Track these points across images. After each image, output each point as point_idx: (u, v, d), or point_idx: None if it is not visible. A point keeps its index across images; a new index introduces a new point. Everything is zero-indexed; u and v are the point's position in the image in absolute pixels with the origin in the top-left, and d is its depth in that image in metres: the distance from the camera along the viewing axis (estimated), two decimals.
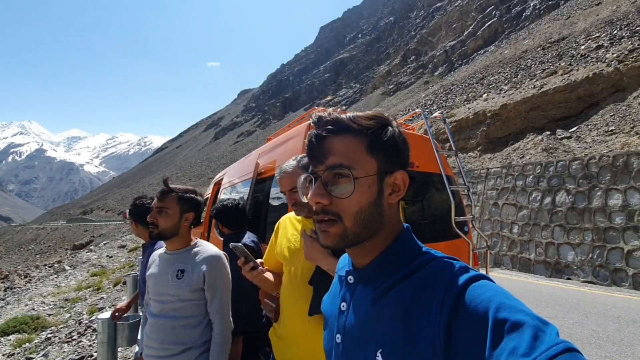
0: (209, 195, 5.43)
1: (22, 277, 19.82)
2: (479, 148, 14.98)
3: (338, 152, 0.63)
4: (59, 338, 5.95)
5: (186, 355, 1.47)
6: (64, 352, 5.14)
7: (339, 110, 0.69)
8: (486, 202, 10.15)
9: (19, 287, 16.24)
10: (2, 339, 6.79)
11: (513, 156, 12.13)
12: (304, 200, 0.68)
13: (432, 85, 36.37)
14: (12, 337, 6.77)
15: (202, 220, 4.47)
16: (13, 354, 5.71)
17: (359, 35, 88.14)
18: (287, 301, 1.40)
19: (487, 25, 39.75)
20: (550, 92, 13.84)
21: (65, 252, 30.96)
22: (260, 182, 3.26)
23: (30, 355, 5.29)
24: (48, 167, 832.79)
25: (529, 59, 21.59)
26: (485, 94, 19.35)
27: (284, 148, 2.81)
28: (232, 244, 1.35)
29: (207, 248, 1.62)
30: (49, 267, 21.12)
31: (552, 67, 17.35)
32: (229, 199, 4.19)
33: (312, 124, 0.67)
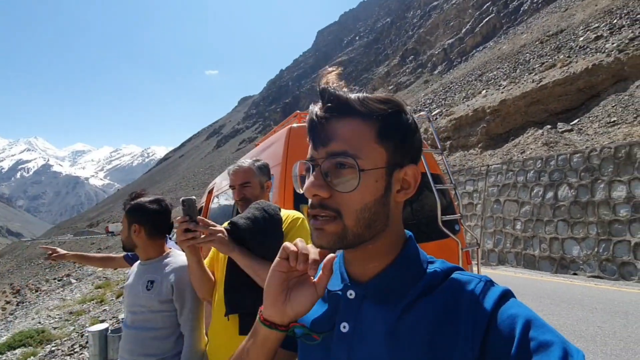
0: (203, 204, 5.41)
1: (34, 291, 20.05)
2: (479, 145, 14.87)
3: (342, 137, 0.53)
4: (62, 351, 5.97)
5: None
6: None
7: (344, 84, 0.56)
8: (487, 200, 10.04)
9: (29, 302, 16.39)
10: (8, 353, 6.86)
11: (514, 152, 12.00)
12: (299, 191, 0.58)
13: (432, 84, 36.29)
14: (18, 351, 6.82)
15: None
16: None
17: (357, 38, 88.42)
18: (214, 306, 1.36)
19: (484, 21, 39.66)
20: (549, 85, 13.72)
21: (73, 265, 31.17)
22: None
23: None
24: (54, 182, 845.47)
25: (527, 53, 21.45)
26: (484, 91, 19.25)
27: (266, 153, 2.79)
28: (184, 197, 1.12)
29: (178, 258, 1.59)
30: (58, 280, 21.30)
31: (550, 60, 17.21)
32: (218, 206, 4.16)
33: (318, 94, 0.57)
